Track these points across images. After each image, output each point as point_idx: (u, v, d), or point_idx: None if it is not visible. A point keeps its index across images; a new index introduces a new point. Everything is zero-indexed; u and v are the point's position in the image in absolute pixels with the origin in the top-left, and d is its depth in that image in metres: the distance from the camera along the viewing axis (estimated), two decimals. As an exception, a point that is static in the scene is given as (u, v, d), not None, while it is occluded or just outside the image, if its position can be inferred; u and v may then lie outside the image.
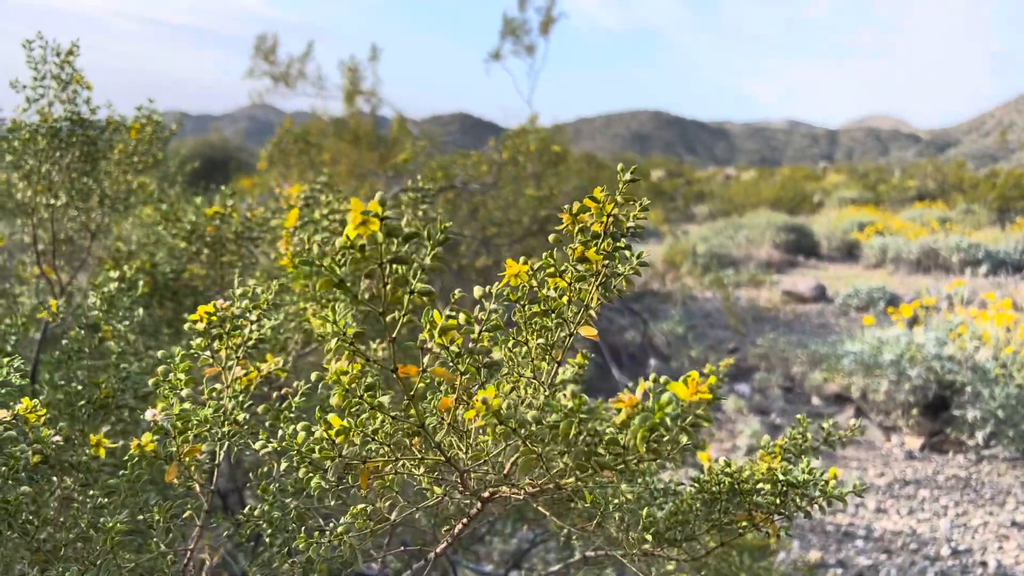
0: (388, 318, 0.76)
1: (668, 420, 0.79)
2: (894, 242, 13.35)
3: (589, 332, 1.01)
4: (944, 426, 4.88)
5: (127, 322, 1.54)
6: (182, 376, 1.07)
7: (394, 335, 0.78)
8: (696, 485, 1.18)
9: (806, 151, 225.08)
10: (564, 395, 0.86)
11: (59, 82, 1.83)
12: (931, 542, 3.79)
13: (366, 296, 0.73)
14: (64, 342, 1.51)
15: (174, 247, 1.98)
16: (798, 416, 1.39)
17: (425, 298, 0.78)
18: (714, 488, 1.16)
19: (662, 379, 0.85)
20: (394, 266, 0.73)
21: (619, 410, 0.85)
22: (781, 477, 1.14)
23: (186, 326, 1.07)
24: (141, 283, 1.60)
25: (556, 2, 5.89)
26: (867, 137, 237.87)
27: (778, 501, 1.15)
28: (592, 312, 1.02)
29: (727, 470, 1.17)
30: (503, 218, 4.55)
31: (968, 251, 12.29)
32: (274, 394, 1.10)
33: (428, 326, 0.89)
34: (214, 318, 1.06)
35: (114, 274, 1.60)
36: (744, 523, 1.18)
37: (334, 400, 0.86)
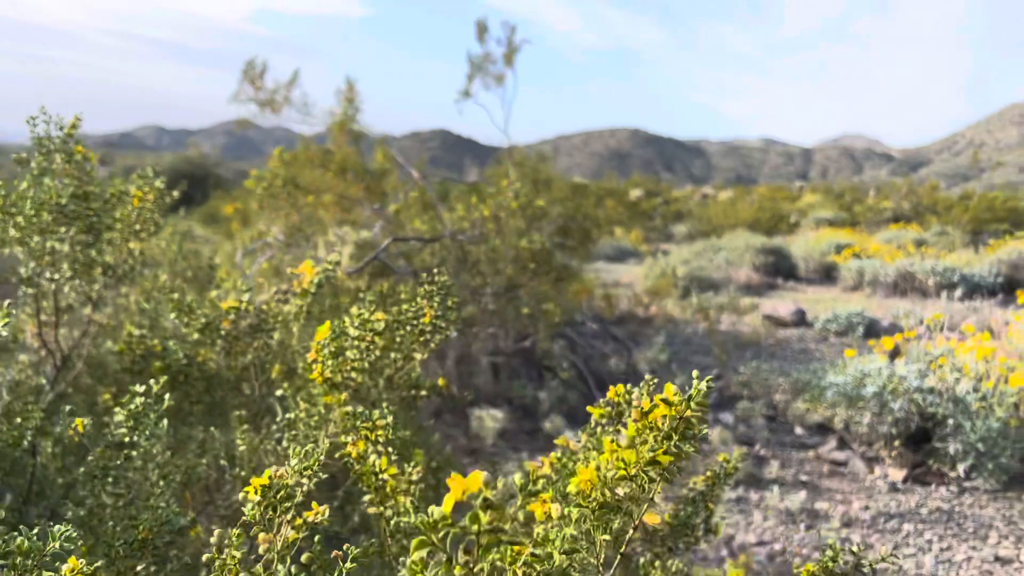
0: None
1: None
2: (871, 265, 13.51)
3: (653, 520, 1.03)
4: (927, 458, 4.93)
5: (155, 439, 1.51)
6: (236, 555, 1.02)
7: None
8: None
9: (781, 169, 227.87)
10: None
11: (64, 156, 1.82)
12: (916, 578, 3.81)
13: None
14: (90, 459, 1.47)
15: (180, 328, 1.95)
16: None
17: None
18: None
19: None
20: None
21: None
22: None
23: (240, 496, 1.05)
24: (167, 398, 1.56)
25: (516, 31, 5.89)
26: (841, 156, 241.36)
27: None
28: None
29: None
30: (490, 269, 4.56)
31: (944, 275, 12.46)
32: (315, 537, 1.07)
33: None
34: (268, 491, 1.03)
35: (139, 388, 1.55)
36: None
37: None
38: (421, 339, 1.70)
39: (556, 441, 1.02)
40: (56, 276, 1.81)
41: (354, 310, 1.68)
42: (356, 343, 1.63)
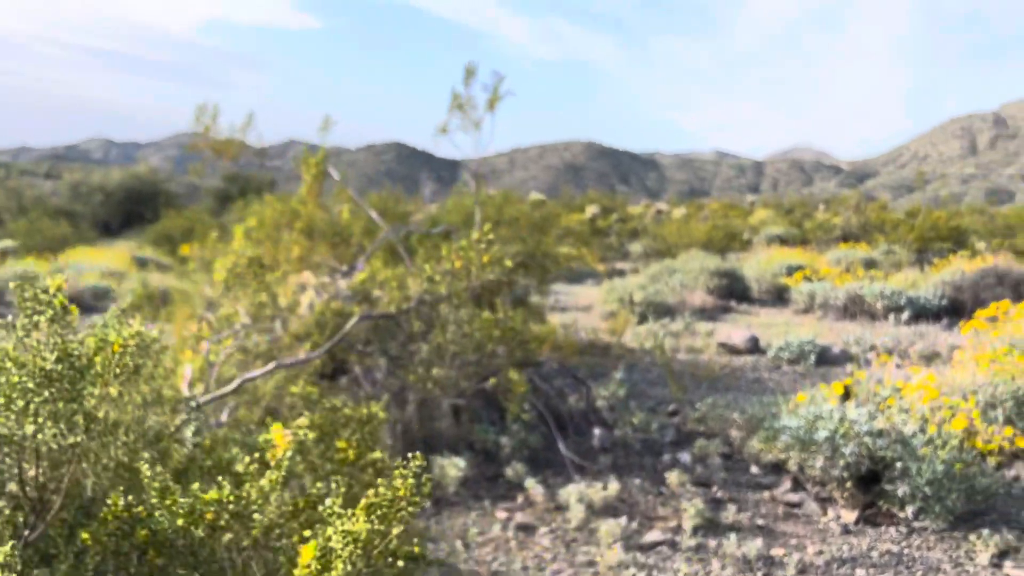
0: None
1: None
2: (821, 288, 13.85)
3: None
4: (877, 499, 5.08)
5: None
6: None
7: None
8: None
9: (733, 182, 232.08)
10: None
11: (49, 316, 1.81)
12: (869, 625, 3.93)
13: None
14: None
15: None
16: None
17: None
18: None
19: None
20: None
21: None
22: None
23: None
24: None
25: (503, 81, 5.97)
26: (791, 168, 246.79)
27: None
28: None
29: None
30: (459, 348, 4.58)
31: (891, 298, 12.83)
32: None
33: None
34: None
35: None
36: None
37: None
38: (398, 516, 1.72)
39: None
40: (40, 436, 1.80)
41: (332, 502, 1.69)
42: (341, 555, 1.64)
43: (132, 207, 34.40)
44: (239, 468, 2.08)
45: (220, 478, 1.96)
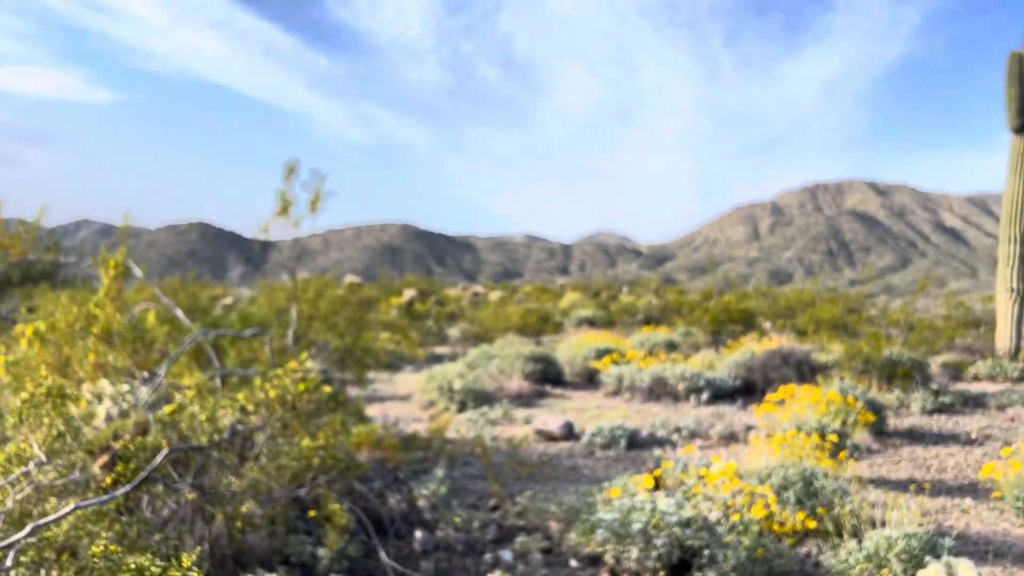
0: None
1: None
2: (628, 371, 14.56)
3: None
4: (688, 586, 5.29)
5: None
6: None
7: None
8: None
9: (544, 264, 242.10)
10: None
11: None
12: None
13: None
14: None
15: None
16: None
17: None
18: None
19: None
20: None
21: None
22: None
23: None
24: None
25: (325, 182, 5.90)
26: (597, 251, 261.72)
27: None
28: None
29: None
30: (273, 467, 4.34)
31: (691, 380, 13.70)
32: None
33: None
34: None
35: None
36: None
37: None
38: None
39: None
40: None
41: None
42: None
43: None
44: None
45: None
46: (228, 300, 29.83)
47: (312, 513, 5.00)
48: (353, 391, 9.05)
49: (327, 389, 4.80)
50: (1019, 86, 18.17)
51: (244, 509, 4.54)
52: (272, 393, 4.33)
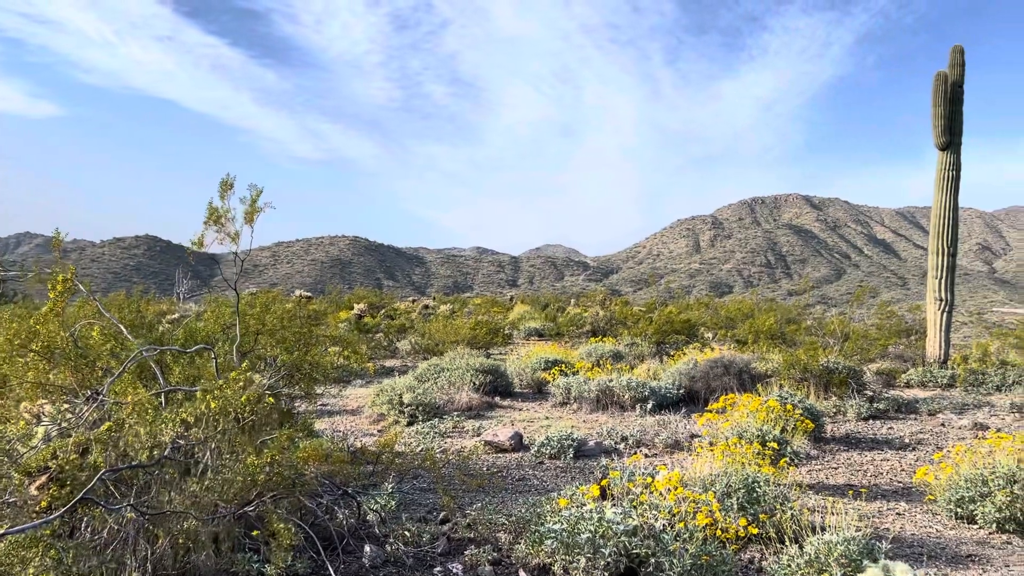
0: None
1: None
2: (576, 382, 14.72)
3: None
4: (635, 593, 5.40)
5: None
6: None
7: None
8: None
9: (493, 276, 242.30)
10: None
11: None
12: None
13: None
14: None
15: None
16: None
17: None
18: None
19: None
20: None
21: None
22: None
23: None
24: None
25: (262, 194, 5.87)
26: (545, 264, 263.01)
27: None
28: None
29: None
30: (221, 497, 4.29)
31: (636, 390, 13.92)
32: None
33: None
34: None
35: None
36: None
37: None
38: None
39: None
40: None
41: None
42: None
43: None
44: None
45: None
46: (175, 315, 29.20)
47: (256, 532, 4.97)
48: (302, 406, 8.98)
49: (270, 400, 4.79)
50: (944, 105, 18.99)
51: (187, 527, 4.49)
52: (214, 405, 4.30)
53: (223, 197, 5.96)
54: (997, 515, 7.05)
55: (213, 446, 4.48)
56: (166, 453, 4.35)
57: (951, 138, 19.02)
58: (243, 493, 4.57)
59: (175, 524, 4.44)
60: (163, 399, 6.29)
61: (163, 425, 4.28)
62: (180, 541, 4.48)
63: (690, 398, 14.62)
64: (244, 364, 4.83)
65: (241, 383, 4.59)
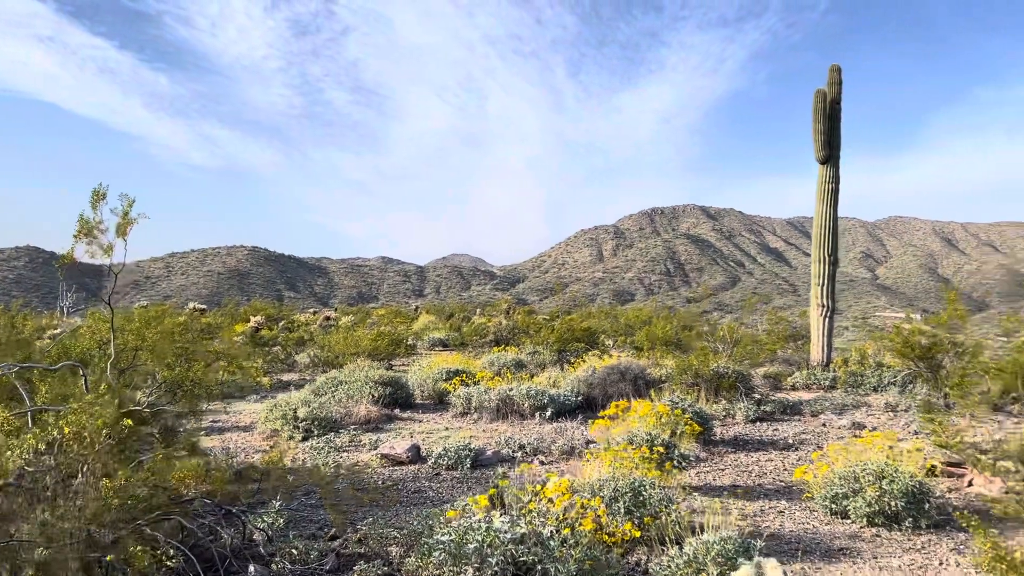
0: None
1: None
2: (477, 392, 14.73)
3: None
4: (523, 601, 5.43)
5: None
6: None
7: None
8: None
9: (399, 286, 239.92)
10: None
11: None
12: None
13: None
14: None
15: None
16: None
17: None
18: None
19: None
20: None
21: None
22: None
23: None
24: None
25: (134, 205, 5.64)
26: (451, 273, 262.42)
27: None
28: None
29: None
30: (72, 525, 4.06)
31: (536, 398, 14.05)
32: None
33: None
34: None
35: None
36: None
37: None
38: None
39: None
40: None
41: None
42: None
43: None
44: None
45: None
46: (58, 330, 27.61)
47: (110, 558, 4.74)
48: (189, 423, 8.66)
49: (128, 422, 4.59)
50: (823, 121, 20.06)
51: (38, 557, 4.25)
52: (67, 430, 4.09)
53: (95, 208, 5.69)
54: (867, 510, 7.44)
55: (64, 473, 4.26)
56: (11, 480, 4.11)
57: (830, 152, 20.08)
58: (97, 519, 4.35)
59: (24, 555, 4.19)
60: (29, 420, 5.95)
61: (10, 452, 4.03)
62: (31, 574, 4.23)
63: (588, 405, 14.85)
64: (104, 385, 4.61)
65: (98, 405, 4.38)
